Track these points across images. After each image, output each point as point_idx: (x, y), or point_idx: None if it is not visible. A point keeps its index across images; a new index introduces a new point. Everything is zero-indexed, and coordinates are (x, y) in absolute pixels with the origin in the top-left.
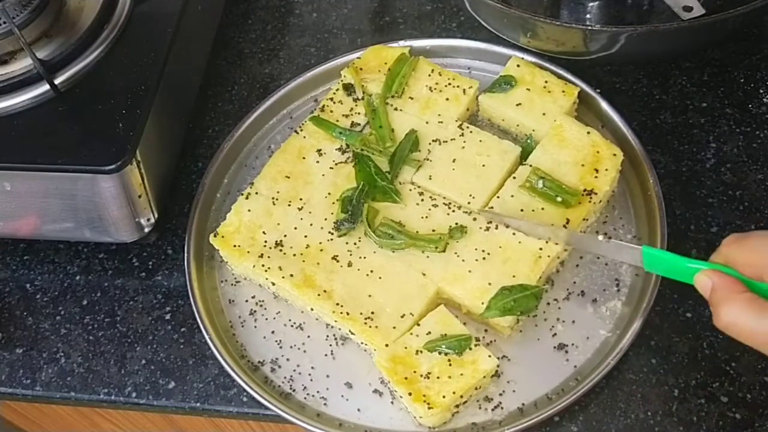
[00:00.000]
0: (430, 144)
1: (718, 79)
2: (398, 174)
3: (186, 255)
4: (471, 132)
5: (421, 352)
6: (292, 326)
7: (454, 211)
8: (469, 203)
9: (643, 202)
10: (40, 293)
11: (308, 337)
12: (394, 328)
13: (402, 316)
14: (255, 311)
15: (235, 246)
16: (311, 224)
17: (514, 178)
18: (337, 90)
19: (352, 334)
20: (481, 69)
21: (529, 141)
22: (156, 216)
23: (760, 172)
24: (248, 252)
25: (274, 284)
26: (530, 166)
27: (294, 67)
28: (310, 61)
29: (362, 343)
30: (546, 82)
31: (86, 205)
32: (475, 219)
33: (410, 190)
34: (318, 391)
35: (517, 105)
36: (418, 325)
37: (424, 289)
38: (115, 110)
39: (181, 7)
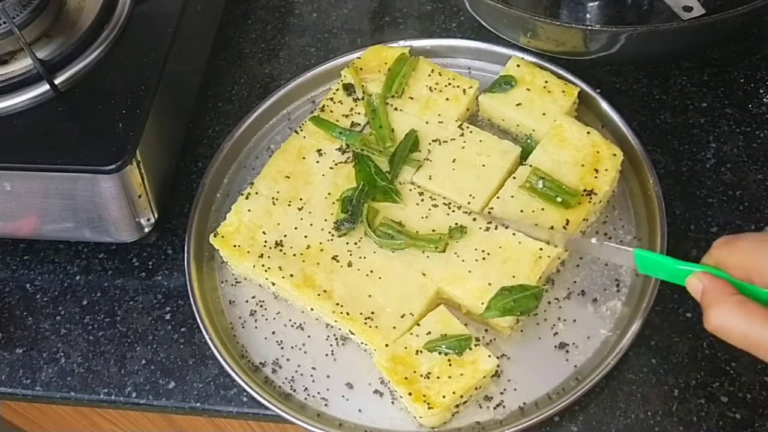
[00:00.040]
0: (430, 144)
1: (718, 79)
2: (398, 174)
3: (186, 255)
4: (471, 132)
5: (421, 352)
6: (292, 326)
7: (454, 211)
8: (469, 203)
9: (643, 202)
10: (40, 293)
11: (308, 337)
12: (394, 328)
13: (402, 316)
14: (255, 311)
15: (235, 246)
16: (311, 224)
17: (514, 178)
18: (337, 90)
19: (352, 334)
20: (481, 69)
21: (529, 141)
22: (156, 216)
23: (760, 172)
24: (248, 252)
25: (274, 284)
26: (530, 166)
27: (294, 67)
28: (310, 61)
29: (362, 343)
30: (546, 82)
31: (86, 205)
32: (475, 219)
33: (410, 190)
34: (319, 392)
35: (517, 105)
36: (418, 325)
37: (424, 289)
38: (115, 110)
39: (181, 7)
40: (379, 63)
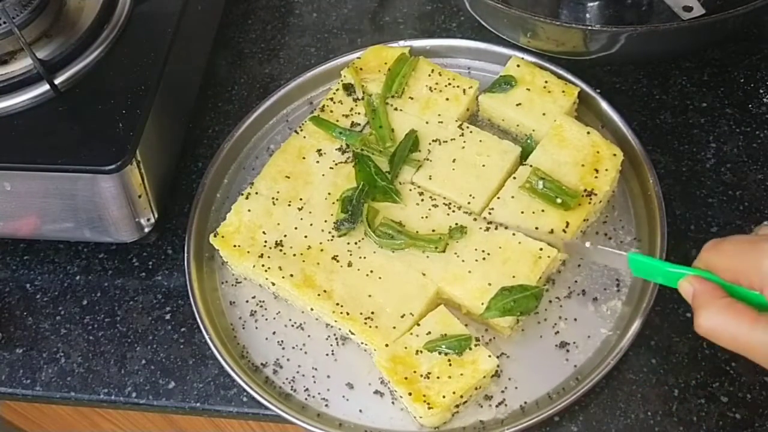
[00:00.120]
0: (430, 144)
1: (718, 79)
2: (398, 174)
3: (186, 255)
4: (471, 132)
5: (421, 352)
6: (292, 326)
7: (454, 211)
8: (469, 203)
9: (643, 202)
10: (40, 293)
11: (309, 337)
12: (394, 328)
13: (402, 316)
14: (255, 312)
15: (235, 246)
16: (311, 224)
17: (515, 178)
18: (337, 90)
19: (352, 334)
20: (481, 69)
21: (529, 141)
22: (156, 216)
23: (760, 172)
24: (248, 252)
25: (274, 284)
26: (530, 166)
27: (294, 67)
28: (310, 61)
29: (362, 343)
30: (546, 82)
31: (86, 205)
32: (475, 219)
33: (410, 190)
34: (319, 393)
35: (517, 105)
36: (418, 325)
37: (424, 289)
38: (115, 110)
39: (181, 7)
40: (379, 63)
